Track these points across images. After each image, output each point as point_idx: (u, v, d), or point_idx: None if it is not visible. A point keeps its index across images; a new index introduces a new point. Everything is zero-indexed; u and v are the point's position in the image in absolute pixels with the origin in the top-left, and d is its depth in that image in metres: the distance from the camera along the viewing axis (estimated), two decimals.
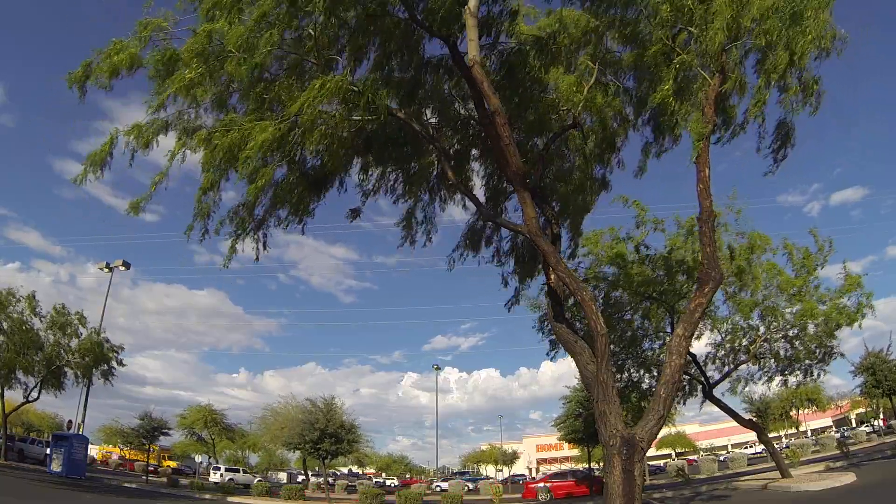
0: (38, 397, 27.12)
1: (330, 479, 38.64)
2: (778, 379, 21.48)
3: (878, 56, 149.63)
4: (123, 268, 36.69)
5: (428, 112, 10.75)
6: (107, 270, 35.79)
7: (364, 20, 8.52)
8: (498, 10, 9.94)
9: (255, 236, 10.29)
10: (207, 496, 24.90)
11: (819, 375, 21.08)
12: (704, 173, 8.32)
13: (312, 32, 8.39)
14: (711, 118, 8.26)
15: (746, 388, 22.83)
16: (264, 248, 10.52)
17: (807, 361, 20.29)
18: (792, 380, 21.54)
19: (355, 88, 8.10)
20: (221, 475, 36.77)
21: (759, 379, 21.66)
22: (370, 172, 11.20)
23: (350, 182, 11.15)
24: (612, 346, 12.62)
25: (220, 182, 8.96)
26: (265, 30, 7.48)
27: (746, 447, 57.57)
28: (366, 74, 9.13)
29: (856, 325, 18.53)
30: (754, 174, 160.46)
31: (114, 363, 27.50)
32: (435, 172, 11.33)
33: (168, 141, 9.10)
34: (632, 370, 21.26)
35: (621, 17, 9.45)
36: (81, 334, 26.64)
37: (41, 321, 25.62)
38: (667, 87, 8.24)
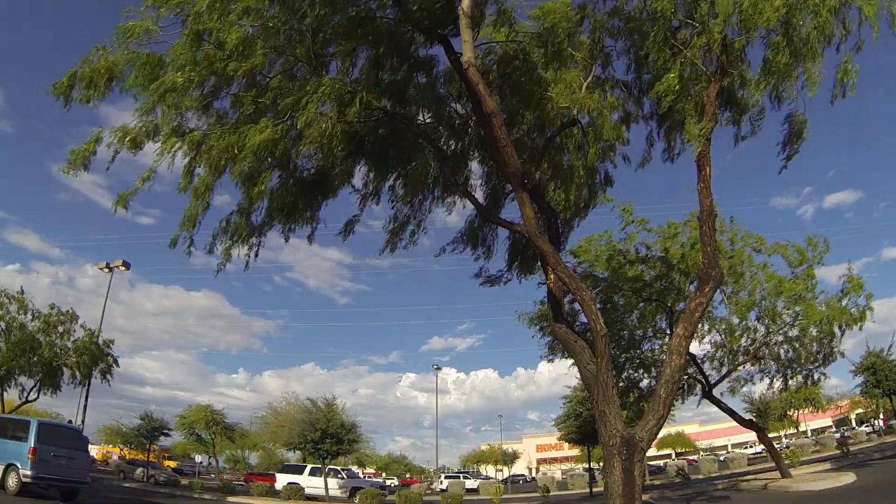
0: (37, 397, 26.99)
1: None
2: (779, 382, 21.40)
3: (875, 56, 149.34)
4: (123, 268, 36.50)
5: (425, 112, 10.58)
6: (106, 271, 35.64)
7: (357, 21, 8.39)
8: (493, 8, 9.83)
9: (250, 242, 9.95)
10: (207, 496, 24.87)
11: (820, 379, 21.01)
12: (705, 171, 8.28)
13: (306, 34, 8.20)
14: (712, 115, 8.18)
15: (745, 388, 22.79)
16: (255, 257, 10.13)
17: (808, 365, 20.20)
18: (792, 383, 21.44)
19: (350, 89, 8.01)
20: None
21: (760, 380, 21.66)
22: (368, 176, 10.84)
23: (344, 190, 10.72)
24: (612, 347, 12.49)
25: (213, 186, 8.60)
26: (261, 32, 7.35)
27: (746, 447, 57.52)
28: (360, 76, 8.98)
29: (857, 327, 18.42)
30: (748, 176, 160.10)
31: (109, 358, 27.05)
32: (432, 174, 11.10)
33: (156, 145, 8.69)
34: (630, 371, 21.20)
35: (620, 9, 9.35)
36: (75, 333, 26.17)
37: (34, 317, 25.05)
38: (672, 75, 7.95)
